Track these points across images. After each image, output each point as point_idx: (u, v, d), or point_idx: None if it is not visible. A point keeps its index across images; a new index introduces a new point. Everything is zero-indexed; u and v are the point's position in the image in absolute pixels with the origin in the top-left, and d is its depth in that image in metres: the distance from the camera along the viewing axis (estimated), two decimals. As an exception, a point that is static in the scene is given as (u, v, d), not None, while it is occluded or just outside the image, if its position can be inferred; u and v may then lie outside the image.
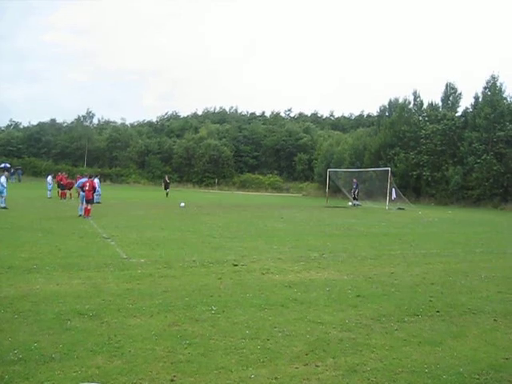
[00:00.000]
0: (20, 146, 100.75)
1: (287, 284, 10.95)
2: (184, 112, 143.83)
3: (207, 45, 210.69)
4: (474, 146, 54.09)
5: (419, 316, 8.68)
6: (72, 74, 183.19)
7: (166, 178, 56.41)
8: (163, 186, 54.83)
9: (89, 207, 24.82)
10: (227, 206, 38.97)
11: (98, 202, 35.11)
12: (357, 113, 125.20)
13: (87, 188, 24.84)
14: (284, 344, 6.95)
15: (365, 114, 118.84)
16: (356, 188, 48.05)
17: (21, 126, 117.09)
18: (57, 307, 8.33)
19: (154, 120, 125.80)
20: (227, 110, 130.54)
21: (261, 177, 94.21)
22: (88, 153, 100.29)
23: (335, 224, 26.71)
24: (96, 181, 36.46)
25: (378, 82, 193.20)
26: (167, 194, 51.84)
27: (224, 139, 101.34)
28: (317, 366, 6.22)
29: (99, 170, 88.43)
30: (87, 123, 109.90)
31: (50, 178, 42.37)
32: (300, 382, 5.72)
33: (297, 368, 6.13)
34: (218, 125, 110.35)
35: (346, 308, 9.05)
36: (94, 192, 25.06)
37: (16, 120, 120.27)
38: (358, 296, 10.02)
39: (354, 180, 49.30)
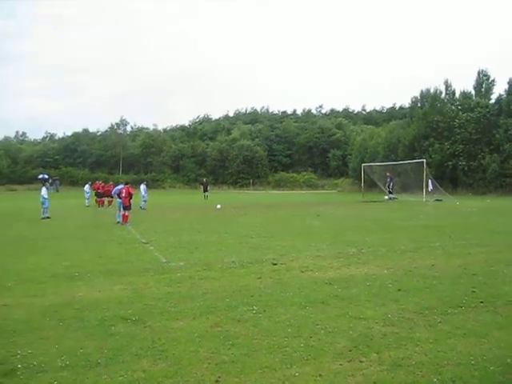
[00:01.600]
0: (56, 157, 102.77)
1: (327, 281, 10.90)
2: (216, 114, 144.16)
3: (234, 45, 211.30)
4: (509, 132, 53.22)
5: (462, 308, 8.57)
6: (103, 82, 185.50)
7: (205, 181, 56.68)
8: (202, 189, 55.01)
9: (126, 213, 25.03)
10: (263, 206, 38.99)
11: (144, 209, 35.79)
12: (389, 105, 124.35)
13: (123, 195, 25.08)
14: (327, 341, 6.93)
15: (397, 106, 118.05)
16: (390, 181, 47.62)
17: (56, 138, 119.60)
18: (100, 313, 8.44)
19: (187, 124, 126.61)
20: (258, 109, 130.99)
21: (295, 175, 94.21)
22: (123, 160, 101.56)
23: (372, 218, 26.54)
24: (143, 187, 37.09)
25: (409, 73, 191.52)
26: (207, 196, 51.98)
27: (257, 139, 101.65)
28: (361, 361, 6.19)
29: (135, 176, 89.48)
30: (121, 131, 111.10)
31: (87, 186, 43.02)
32: (345, 378, 5.70)
33: (341, 364, 6.10)
34: (249, 125, 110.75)
35: (387, 302, 8.98)
36: (131, 198, 25.25)
37: (51, 132, 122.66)
38: (399, 290, 9.94)
39: (388, 174, 48.89)
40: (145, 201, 36.92)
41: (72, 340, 7.09)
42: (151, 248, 16.40)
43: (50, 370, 6.04)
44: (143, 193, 37.18)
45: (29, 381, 5.77)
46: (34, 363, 6.24)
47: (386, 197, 47.36)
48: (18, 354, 6.59)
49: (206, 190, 53.32)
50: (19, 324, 7.95)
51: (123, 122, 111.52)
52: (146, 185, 40.26)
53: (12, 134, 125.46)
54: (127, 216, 25.09)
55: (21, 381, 5.78)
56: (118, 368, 6.06)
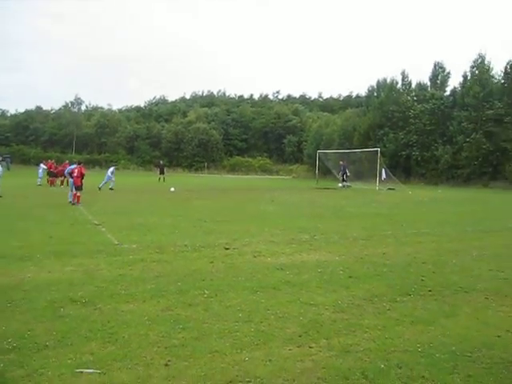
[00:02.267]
0: (8, 134, 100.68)
1: (279, 266, 10.95)
2: (172, 96, 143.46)
3: (193, 27, 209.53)
4: (462, 125, 54.26)
5: (411, 295, 8.71)
6: (56, 60, 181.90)
7: (161, 163, 55.94)
8: (158, 171, 54.06)
9: (78, 194, 24.71)
10: (218, 190, 38.94)
11: (111, 189, 36.07)
12: (345, 93, 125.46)
13: (75, 174, 24.79)
14: (277, 326, 6.97)
15: (353, 94, 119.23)
16: (343, 170, 47.96)
17: (8, 114, 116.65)
18: (49, 295, 8.30)
19: (142, 105, 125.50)
20: (215, 93, 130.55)
21: (250, 160, 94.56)
22: (76, 139, 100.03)
23: (326, 205, 26.77)
24: (111, 170, 36.90)
25: (366, 62, 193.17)
26: (164, 179, 51.05)
27: (213, 123, 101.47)
28: (310, 347, 6.24)
29: (88, 156, 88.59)
30: (75, 110, 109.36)
31: (42, 165, 42.05)
32: (294, 363, 5.74)
33: (290, 350, 6.14)
34: (206, 108, 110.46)
35: (338, 289, 9.07)
36: (82, 178, 24.97)
37: (2, 108, 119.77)
38: (350, 277, 10.04)
39: (341, 162, 49.22)
40: (113, 181, 36.99)
41: (20, 322, 6.96)
42: (103, 229, 16.20)
43: (-4, 352, 5.93)
44: (110, 174, 37.16)
45: (-26, 363, 5.66)
46: (-20, 345, 6.12)
47: (340, 184, 47.79)
48: (-37, 335, 6.46)
49: (162, 173, 52.38)
50: (-35, 304, 7.78)
51: (78, 101, 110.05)
52: (116, 168, 39.90)
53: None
54: (79, 196, 24.74)
55: (-35, 363, 5.66)
56: (66, 351, 5.97)
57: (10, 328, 6.71)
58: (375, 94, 68.34)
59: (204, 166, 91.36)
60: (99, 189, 34.73)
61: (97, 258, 11.60)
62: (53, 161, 43.43)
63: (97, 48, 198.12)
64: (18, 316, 7.24)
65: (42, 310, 7.49)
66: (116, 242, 13.69)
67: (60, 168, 40.01)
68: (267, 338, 6.50)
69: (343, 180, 47.37)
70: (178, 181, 52.42)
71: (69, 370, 5.44)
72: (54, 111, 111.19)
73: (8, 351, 5.94)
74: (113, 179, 37.12)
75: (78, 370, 5.44)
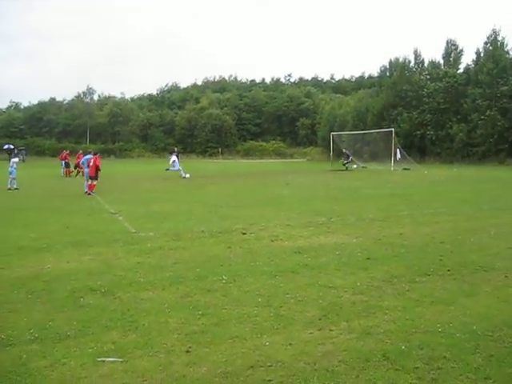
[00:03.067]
0: (22, 127, 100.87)
1: (297, 250, 10.94)
2: (184, 83, 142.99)
3: (202, 13, 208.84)
4: (477, 102, 53.76)
5: (430, 276, 8.66)
6: (68, 50, 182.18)
7: (176, 150, 55.72)
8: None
9: (93, 183, 24.90)
10: (232, 175, 38.96)
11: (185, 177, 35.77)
12: (357, 74, 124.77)
13: (91, 164, 24.93)
14: (297, 310, 6.97)
15: (366, 75, 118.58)
16: (348, 157, 47.39)
17: (21, 107, 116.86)
18: (69, 285, 8.35)
19: (154, 93, 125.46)
20: (227, 78, 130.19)
21: (264, 144, 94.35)
22: (90, 129, 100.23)
23: (341, 187, 26.72)
24: (173, 157, 36.59)
25: (378, 41, 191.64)
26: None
27: (225, 108, 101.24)
28: (331, 330, 6.23)
29: (102, 145, 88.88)
30: (88, 100, 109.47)
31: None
32: (315, 346, 5.73)
33: (311, 333, 6.14)
34: (218, 94, 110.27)
35: (356, 271, 9.04)
36: (98, 170, 25.11)
37: (16, 100, 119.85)
38: (368, 258, 10.01)
39: (344, 150, 48.77)
40: (178, 169, 36.51)
41: (41, 313, 7.01)
42: (120, 218, 16.26)
43: (18, 343, 5.96)
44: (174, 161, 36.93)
45: (-3, 354, 5.71)
46: (3, 337, 6.15)
47: (355, 165, 47.65)
48: (-14, 327, 6.52)
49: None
50: (-14, 297, 7.84)
51: (90, 91, 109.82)
52: (177, 155, 39.19)
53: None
54: (93, 185, 24.94)
55: (-11, 354, 5.71)
56: (87, 340, 6.01)
57: (32, 319, 6.76)
58: (388, 74, 67.82)
59: (218, 152, 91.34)
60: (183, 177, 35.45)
61: (114, 246, 11.66)
62: (67, 151, 43.40)
63: (107, 35, 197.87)
64: (39, 307, 7.29)
65: (62, 300, 7.54)
66: (133, 231, 13.74)
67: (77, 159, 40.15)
68: (287, 322, 6.50)
69: (345, 164, 46.77)
70: (193, 167, 52.38)
71: (90, 360, 5.47)
72: (66, 102, 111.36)
73: (30, 342, 5.99)
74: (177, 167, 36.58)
75: (99, 359, 5.48)
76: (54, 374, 5.17)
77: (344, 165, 46.75)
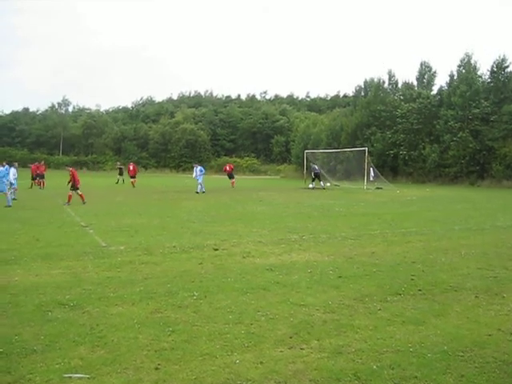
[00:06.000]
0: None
1: (268, 267, 10.90)
2: (159, 97, 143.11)
3: (178, 27, 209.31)
4: (449, 124, 54.37)
5: (401, 295, 8.69)
6: (41, 58, 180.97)
7: (119, 164, 54.76)
8: (118, 173, 51.90)
9: (70, 193, 25.86)
10: (205, 191, 38.77)
11: (197, 192, 36.17)
12: (333, 93, 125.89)
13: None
14: (268, 328, 6.92)
15: (341, 94, 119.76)
16: (315, 173, 45.91)
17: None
18: (37, 298, 8.21)
19: (129, 106, 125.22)
20: (202, 93, 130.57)
21: (238, 160, 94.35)
22: (63, 141, 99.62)
23: (314, 205, 26.74)
24: (199, 168, 38.31)
25: (353, 62, 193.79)
26: (123, 180, 49.11)
27: (200, 123, 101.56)
28: (301, 348, 6.20)
29: (75, 157, 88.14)
30: (62, 111, 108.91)
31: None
32: (285, 365, 5.69)
33: (282, 351, 6.10)
34: (193, 109, 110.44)
35: (328, 289, 9.03)
36: (74, 181, 25.59)
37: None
38: (340, 277, 10.01)
39: (312, 165, 47.66)
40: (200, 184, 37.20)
41: (7, 326, 6.87)
42: (91, 231, 16.10)
43: (-18, 357, 5.84)
44: (197, 174, 37.99)
45: (-40, 369, 5.56)
46: (-34, 350, 6.03)
47: (328, 184, 47.59)
48: (-51, 340, 6.36)
49: (121, 174, 50.51)
50: (-49, 309, 7.67)
51: (65, 102, 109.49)
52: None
53: None
54: (70, 196, 25.74)
55: (-48, 369, 5.57)
56: (54, 355, 5.90)
57: (-3, 333, 6.62)
58: (362, 94, 68.50)
59: (192, 167, 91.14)
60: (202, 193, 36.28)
61: (84, 260, 11.51)
62: (41, 162, 42.81)
63: (84, 48, 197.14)
64: (5, 320, 7.14)
65: (29, 314, 7.40)
66: (104, 244, 13.59)
67: (40, 169, 40.02)
68: (258, 340, 6.45)
69: (312, 180, 45.61)
70: (166, 182, 52.26)
71: (57, 375, 5.36)
72: (40, 112, 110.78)
73: (-5, 356, 5.86)
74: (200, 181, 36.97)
75: (66, 375, 5.37)
76: (18, 389, 5.07)
77: (312, 182, 45.32)
